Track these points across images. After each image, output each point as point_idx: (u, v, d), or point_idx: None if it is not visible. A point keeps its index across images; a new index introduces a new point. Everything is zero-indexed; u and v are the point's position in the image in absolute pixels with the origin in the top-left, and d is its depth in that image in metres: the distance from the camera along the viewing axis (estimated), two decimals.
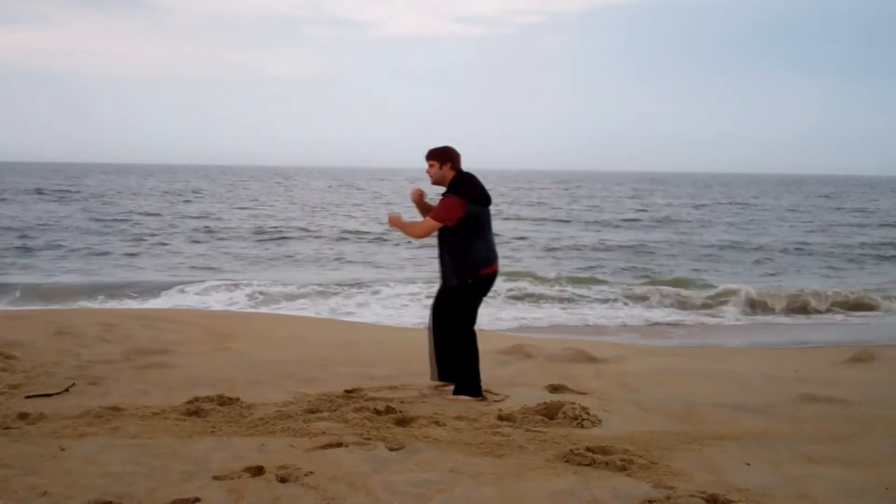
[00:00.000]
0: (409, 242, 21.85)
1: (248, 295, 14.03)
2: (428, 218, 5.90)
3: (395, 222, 6.05)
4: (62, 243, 21.79)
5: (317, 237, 25.61)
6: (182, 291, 14.32)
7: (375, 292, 14.51)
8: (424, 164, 5.99)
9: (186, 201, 41.37)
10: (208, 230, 26.34)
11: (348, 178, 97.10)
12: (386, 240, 24.28)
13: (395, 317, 12.62)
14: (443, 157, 5.90)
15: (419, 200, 6.17)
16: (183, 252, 21.06)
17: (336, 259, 20.64)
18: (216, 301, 13.66)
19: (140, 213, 31.99)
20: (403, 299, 14.10)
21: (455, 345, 5.97)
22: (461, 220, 5.78)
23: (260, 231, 26.42)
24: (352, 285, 15.19)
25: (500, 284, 16.47)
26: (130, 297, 13.88)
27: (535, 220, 34.10)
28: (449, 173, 5.90)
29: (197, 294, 14.19)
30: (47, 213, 31.51)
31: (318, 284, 15.13)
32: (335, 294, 14.38)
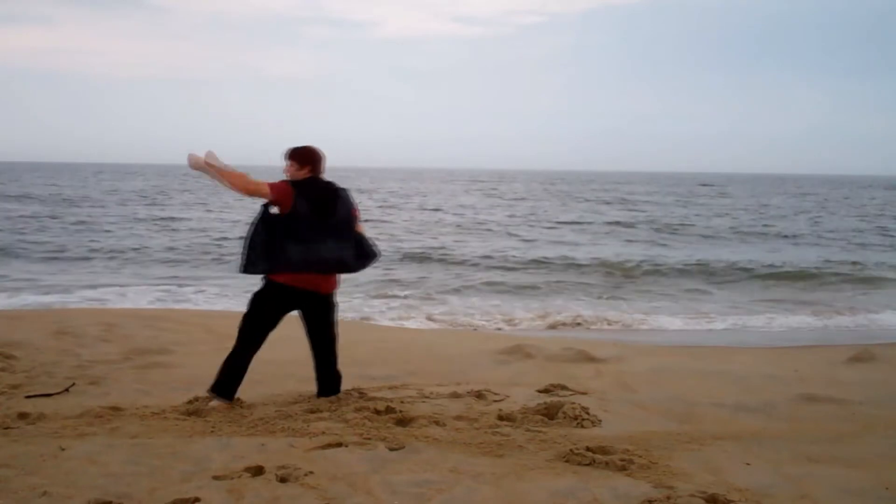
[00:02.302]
0: None
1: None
2: (260, 181, 5.11)
3: (200, 165, 5.04)
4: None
5: None
6: None
7: None
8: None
9: None
10: None
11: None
12: None
13: None
14: (301, 158, 5.31)
15: (202, 165, 5.08)
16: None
17: None
18: None
19: None
20: None
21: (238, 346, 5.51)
22: (286, 213, 5.18)
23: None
24: None
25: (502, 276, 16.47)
26: None
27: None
28: (306, 176, 5.34)
29: None
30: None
31: None
32: None
